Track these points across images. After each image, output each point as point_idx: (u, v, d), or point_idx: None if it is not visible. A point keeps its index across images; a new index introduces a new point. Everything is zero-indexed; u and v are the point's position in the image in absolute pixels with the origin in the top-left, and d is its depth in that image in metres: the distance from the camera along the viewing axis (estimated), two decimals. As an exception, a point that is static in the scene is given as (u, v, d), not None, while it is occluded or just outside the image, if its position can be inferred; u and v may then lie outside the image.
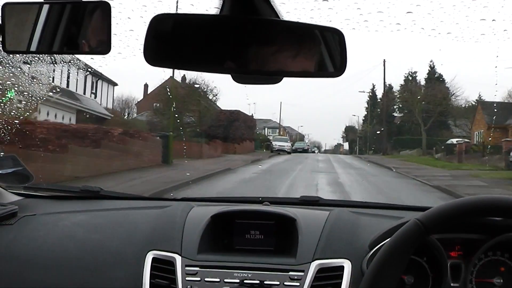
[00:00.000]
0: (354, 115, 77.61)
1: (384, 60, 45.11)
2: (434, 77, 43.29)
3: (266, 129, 63.15)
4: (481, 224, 1.58)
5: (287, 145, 40.82)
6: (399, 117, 48.27)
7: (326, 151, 73.12)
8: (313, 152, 57.35)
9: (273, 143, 41.68)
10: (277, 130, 63.68)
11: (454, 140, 34.00)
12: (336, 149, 73.42)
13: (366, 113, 58.27)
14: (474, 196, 1.34)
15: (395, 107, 48.32)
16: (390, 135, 43.66)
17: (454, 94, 40.61)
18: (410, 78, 46.30)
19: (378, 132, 46.59)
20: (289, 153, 39.01)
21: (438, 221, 1.31)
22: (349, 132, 66.58)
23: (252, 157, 27.91)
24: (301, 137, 70.98)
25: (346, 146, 68.92)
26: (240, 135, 33.89)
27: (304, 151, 49.43)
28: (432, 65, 44.72)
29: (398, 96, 45.94)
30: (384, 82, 46.25)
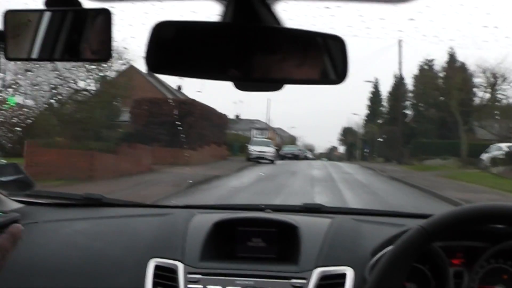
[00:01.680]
0: (355, 114, 69.02)
1: (400, 40, 34.49)
2: (456, 66, 33.52)
3: (252, 130, 54.90)
4: (483, 231, 1.63)
5: (269, 150, 28.81)
6: (412, 116, 39.34)
7: (320, 155, 68.29)
8: (306, 158, 46.81)
9: (250, 147, 29.33)
10: (265, 132, 55.40)
11: (503, 146, 24.35)
12: (331, 153, 68.67)
13: (368, 111, 50.13)
14: (477, 203, 1.38)
15: (407, 103, 39.16)
16: (403, 138, 34.06)
17: (506, 79, 29.66)
18: (427, 67, 36.74)
19: (384, 136, 37.46)
20: (271, 161, 27.95)
21: (441, 228, 1.37)
22: (347, 134, 59.45)
23: (206, 171, 17.25)
24: (292, 140, 62.75)
25: (341, 149, 64.46)
26: (198, 136, 22.83)
27: (295, 157, 38.89)
28: (452, 53, 34.66)
29: (415, 85, 35.89)
30: (400, 65, 35.89)
